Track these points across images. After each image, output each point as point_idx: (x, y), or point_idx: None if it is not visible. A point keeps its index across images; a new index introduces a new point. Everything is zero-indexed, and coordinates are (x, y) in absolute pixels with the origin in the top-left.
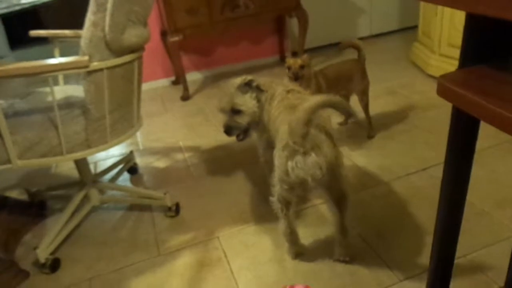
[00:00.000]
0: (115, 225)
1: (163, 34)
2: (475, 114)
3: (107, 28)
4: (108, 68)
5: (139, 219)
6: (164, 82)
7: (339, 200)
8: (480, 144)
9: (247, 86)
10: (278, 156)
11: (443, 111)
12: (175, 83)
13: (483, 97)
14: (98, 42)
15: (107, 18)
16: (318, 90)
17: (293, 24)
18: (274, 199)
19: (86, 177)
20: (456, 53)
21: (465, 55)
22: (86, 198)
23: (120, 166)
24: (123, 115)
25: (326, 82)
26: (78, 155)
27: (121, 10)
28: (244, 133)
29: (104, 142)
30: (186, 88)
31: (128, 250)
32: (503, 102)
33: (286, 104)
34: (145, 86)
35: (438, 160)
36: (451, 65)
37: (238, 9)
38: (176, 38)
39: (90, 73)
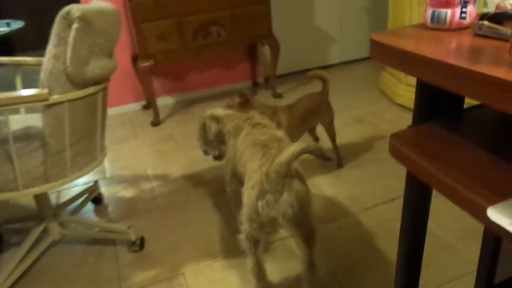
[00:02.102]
0: (75, 261)
1: (134, 59)
2: (423, 179)
3: (68, 61)
4: (69, 100)
5: (101, 254)
6: (135, 106)
7: (307, 236)
8: None
9: (214, 118)
10: (248, 195)
11: None
12: (146, 107)
13: (431, 163)
14: (59, 74)
15: (69, 51)
16: (278, 125)
17: (265, 50)
18: (242, 236)
19: (46, 210)
20: None
21: (418, 113)
22: (45, 231)
23: (84, 197)
24: (85, 148)
25: (294, 119)
26: (36, 190)
27: (83, 43)
28: (218, 156)
29: (63, 176)
30: (156, 113)
31: None
32: (451, 169)
33: (251, 140)
34: (114, 111)
35: None
36: None
37: (210, 36)
38: (147, 64)
39: (50, 106)
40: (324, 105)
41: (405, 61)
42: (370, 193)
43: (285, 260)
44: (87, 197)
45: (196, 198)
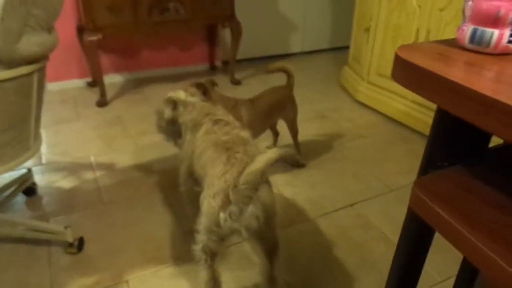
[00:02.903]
0: (0, 264)
1: (80, 30)
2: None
3: None
4: None
5: (32, 256)
6: (78, 83)
7: (271, 250)
8: None
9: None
10: (208, 204)
11: (370, 141)
12: (91, 85)
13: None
14: None
15: None
16: (238, 120)
17: (226, 33)
18: (197, 247)
19: None
20: (385, 82)
21: (433, 149)
22: None
23: (14, 187)
24: (15, 137)
25: (256, 114)
26: None
27: (14, 14)
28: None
29: None
30: (103, 92)
31: None
32: (488, 236)
33: (213, 139)
34: (54, 86)
35: (366, 195)
36: (379, 94)
37: (167, 12)
38: (94, 37)
39: None
40: (288, 100)
41: (434, 87)
42: (330, 197)
43: (240, 269)
44: (17, 188)
45: (145, 192)
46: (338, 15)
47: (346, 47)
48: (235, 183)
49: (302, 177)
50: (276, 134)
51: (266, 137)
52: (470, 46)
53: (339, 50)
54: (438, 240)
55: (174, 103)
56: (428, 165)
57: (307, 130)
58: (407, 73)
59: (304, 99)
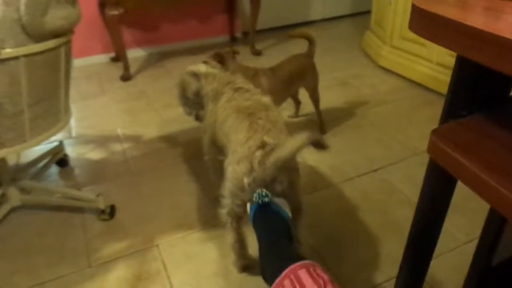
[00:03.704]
0: (39, 229)
1: (102, 5)
2: (469, 185)
3: (22, 8)
4: (25, 55)
5: (67, 223)
6: (102, 58)
7: (294, 211)
8: None
9: (194, 75)
10: (232, 170)
11: (393, 107)
12: (114, 60)
13: (477, 166)
14: (12, 24)
15: None
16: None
17: (245, 3)
18: (223, 211)
19: (3, 175)
20: (408, 46)
21: (454, 100)
22: (3, 197)
23: (48, 158)
24: (47, 109)
25: (277, 83)
26: None
27: None
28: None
29: (21, 141)
30: (127, 67)
31: (52, 261)
32: (498, 175)
33: (234, 106)
34: (79, 62)
35: (389, 161)
36: (403, 58)
37: None
38: (115, 12)
39: (2, 61)
40: (309, 68)
41: (453, 34)
42: (353, 163)
43: None
44: (51, 159)
45: (171, 163)
46: None
47: (368, 12)
48: (261, 161)
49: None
50: (298, 103)
51: (288, 106)
52: None
53: (361, 15)
54: (463, 202)
55: (196, 76)
56: (449, 115)
57: (329, 98)
58: (425, 22)
59: (325, 67)
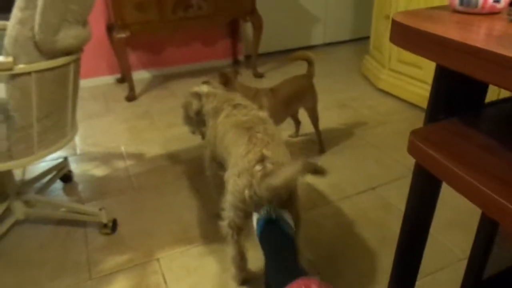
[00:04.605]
0: (42, 243)
1: (109, 29)
2: (443, 178)
3: (36, 28)
4: (36, 71)
5: (70, 236)
6: (109, 79)
7: (293, 221)
8: None
9: (197, 95)
10: (233, 183)
11: (391, 128)
12: (120, 81)
13: (451, 162)
14: (26, 42)
15: (37, 17)
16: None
17: (248, 27)
18: (224, 223)
19: (9, 188)
20: (406, 69)
21: (434, 105)
22: (8, 210)
23: (52, 174)
24: (54, 124)
25: (277, 103)
26: None
27: (54, 9)
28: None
29: (30, 153)
30: (132, 88)
31: (55, 273)
32: (470, 169)
33: (233, 121)
34: (86, 83)
35: (387, 179)
36: (400, 81)
37: (191, 9)
38: (122, 35)
39: (14, 76)
40: (308, 89)
41: (428, 45)
42: (351, 181)
43: None
44: (55, 175)
45: (173, 179)
46: (359, 5)
47: (367, 38)
48: (259, 178)
49: (324, 163)
50: (298, 123)
51: (288, 126)
52: (461, 8)
53: (360, 40)
54: (461, 219)
55: (198, 96)
56: (429, 120)
57: (329, 119)
58: (404, 35)
59: (325, 89)
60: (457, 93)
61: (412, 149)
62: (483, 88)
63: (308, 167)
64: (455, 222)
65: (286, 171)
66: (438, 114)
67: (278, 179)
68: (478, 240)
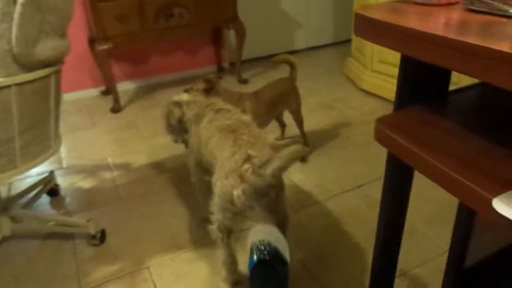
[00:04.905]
0: (30, 258)
1: (91, 41)
2: (410, 163)
3: (14, 41)
4: (16, 84)
5: (58, 249)
6: (93, 92)
7: (281, 223)
8: None
9: (177, 104)
10: (221, 184)
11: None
12: (105, 93)
13: (418, 146)
14: (4, 55)
15: (14, 29)
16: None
17: (231, 34)
18: (213, 227)
19: None
20: (387, 69)
21: (400, 95)
22: None
23: (38, 188)
24: (37, 136)
25: (260, 106)
26: None
27: (31, 21)
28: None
29: (13, 167)
30: (116, 99)
31: (44, 286)
32: (437, 153)
33: (217, 125)
34: (70, 96)
35: (373, 177)
36: (382, 81)
37: (173, 18)
38: (105, 46)
39: None
40: (291, 91)
41: (391, 35)
42: (337, 180)
43: None
44: (41, 189)
45: (160, 188)
46: (340, 9)
47: (349, 40)
48: (254, 169)
49: (309, 163)
50: (283, 125)
51: (274, 129)
52: (420, 1)
53: (342, 43)
54: (443, 212)
55: (179, 104)
56: (397, 109)
57: (313, 121)
58: (367, 27)
59: (309, 92)
60: (421, 82)
61: (379, 137)
62: (446, 76)
63: (294, 156)
64: (438, 215)
65: (287, 152)
66: (405, 103)
67: (281, 160)
68: (457, 230)
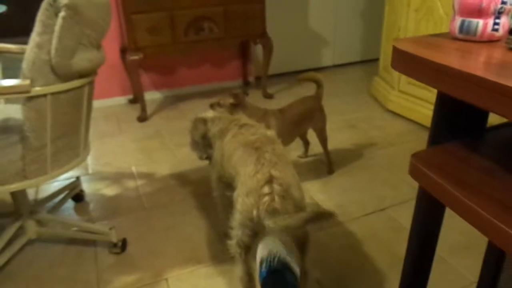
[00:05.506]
0: (52, 262)
1: (123, 51)
2: (443, 200)
3: (53, 52)
4: (52, 93)
5: (80, 255)
6: (121, 100)
7: (301, 243)
8: None
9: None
10: (242, 202)
11: (401, 149)
12: (132, 102)
13: (451, 185)
14: (42, 65)
15: (54, 41)
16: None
17: (258, 49)
18: (232, 242)
19: (23, 207)
20: (415, 90)
21: (436, 130)
22: (21, 229)
23: (64, 193)
24: (67, 144)
25: (285, 124)
26: (12, 187)
27: (70, 34)
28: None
29: (43, 173)
30: (144, 108)
31: None
32: (471, 193)
33: (241, 140)
34: (99, 104)
35: (396, 200)
36: (410, 102)
37: (202, 32)
38: (136, 57)
39: (31, 98)
40: (317, 110)
41: (429, 72)
42: (360, 202)
43: None
44: (67, 194)
45: (182, 199)
46: (368, 27)
47: (376, 59)
48: (267, 206)
49: (332, 183)
50: (306, 143)
51: (297, 146)
52: (460, 36)
53: (369, 62)
54: (471, 243)
55: (204, 121)
56: (432, 143)
57: (338, 140)
58: (405, 62)
59: (334, 110)
60: (458, 117)
61: (414, 172)
62: (484, 112)
63: (317, 216)
64: (465, 245)
65: (291, 218)
66: (440, 138)
67: (293, 221)
68: (487, 263)
